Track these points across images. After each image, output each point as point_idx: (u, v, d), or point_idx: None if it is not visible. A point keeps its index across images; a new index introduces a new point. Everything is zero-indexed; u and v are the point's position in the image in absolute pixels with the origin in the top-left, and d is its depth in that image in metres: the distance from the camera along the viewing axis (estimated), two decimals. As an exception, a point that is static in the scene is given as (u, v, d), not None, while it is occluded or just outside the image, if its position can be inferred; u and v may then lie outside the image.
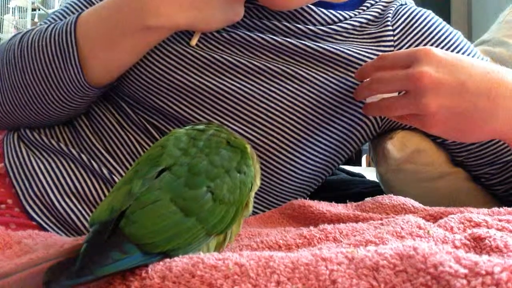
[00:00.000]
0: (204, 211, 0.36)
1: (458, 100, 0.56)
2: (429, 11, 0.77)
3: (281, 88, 0.67)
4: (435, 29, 0.74)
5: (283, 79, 0.68)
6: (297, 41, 0.70)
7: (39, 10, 4.02)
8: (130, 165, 0.68)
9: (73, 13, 0.75)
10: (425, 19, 0.74)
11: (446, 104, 0.56)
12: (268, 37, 0.70)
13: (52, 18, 0.77)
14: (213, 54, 0.69)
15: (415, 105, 0.57)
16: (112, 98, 0.73)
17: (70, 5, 0.79)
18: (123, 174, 0.68)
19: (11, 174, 0.68)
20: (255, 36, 0.70)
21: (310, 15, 0.72)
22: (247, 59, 0.69)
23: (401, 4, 0.76)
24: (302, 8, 0.71)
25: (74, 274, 0.29)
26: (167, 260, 0.32)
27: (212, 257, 0.31)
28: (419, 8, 0.77)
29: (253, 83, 0.68)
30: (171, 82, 0.68)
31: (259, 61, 0.69)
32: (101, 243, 0.31)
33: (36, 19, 3.91)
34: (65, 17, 0.75)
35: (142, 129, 0.70)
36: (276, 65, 0.69)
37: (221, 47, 0.70)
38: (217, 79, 0.68)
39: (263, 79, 0.68)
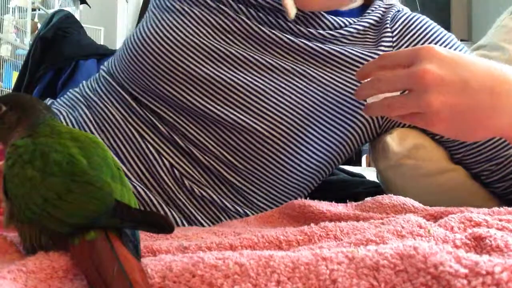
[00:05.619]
0: None
1: (461, 98, 0.56)
2: (423, 16, 0.81)
3: (290, 85, 0.71)
4: (430, 31, 0.78)
5: (293, 76, 0.72)
6: (308, 42, 0.74)
7: (39, 10, 4.01)
8: (134, 161, 0.70)
9: None
10: (420, 22, 0.79)
11: (449, 102, 0.55)
12: (283, 35, 0.74)
13: None
14: (228, 48, 0.72)
15: (417, 103, 0.57)
16: (117, 91, 0.74)
17: None
18: (126, 170, 0.69)
19: None
20: (270, 33, 0.74)
21: (322, 20, 0.76)
22: (260, 55, 0.73)
23: (398, 11, 0.81)
24: (315, 14, 0.76)
25: None
26: (168, 259, 0.32)
27: (212, 256, 0.31)
28: (414, 13, 0.82)
29: (265, 78, 0.71)
30: (186, 72, 0.71)
31: (271, 58, 0.73)
32: None
33: (36, 19, 3.91)
34: None
35: (147, 123, 0.72)
36: (287, 63, 0.72)
37: (236, 41, 0.73)
38: (230, 72, 0.71)
39: (274, 75, 0.71)
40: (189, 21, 0.74)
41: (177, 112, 0.72)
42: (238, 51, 0.72)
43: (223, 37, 0.73)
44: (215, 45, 0.72)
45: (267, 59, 0.72)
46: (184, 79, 0.71)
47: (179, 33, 0.73)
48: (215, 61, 0.72)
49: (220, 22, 0.74)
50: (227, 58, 0.72)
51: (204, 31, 0.73)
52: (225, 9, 0.75)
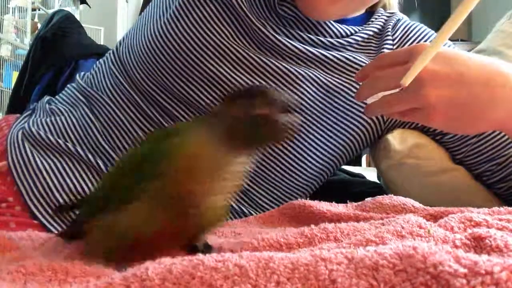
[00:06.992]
0: None
1: (457, 91, 0.56)
2: (422, 24, 0.86)
3: (302, 90, 0.73)
4: (429, 38, 0.82)
5: (305, 81, 0.73)
6: (317, 50, 0.76)
7: (39, 10, 4.02)
8: None
9: None
10: (419, 29, 0.83)
11: (445, 95, 0.56)
12: (297, 43, 0.75)
13: None
14: (247, 51, 0.73)
15: (414, 98, 0.57)
16: (124, 90, 0.74)
17: None
18: None
19: (14, 172, 0.68)
20: (284, 42, 0.75)
21: (330, 29, 0.78)
22: (274, 60, 0.74)
23: (398, 19, 0.84)
24: (325, 23, 0.78)
25: None
26: (167, 262, 0.32)
27: (212, 258, 0.31)
28: (414, 22, 0.86)
29: (278, 83, 0.73)
30: (203, 70, 0.72)
31: (285, 64, 0.74)
32: None
33: (36, 19, 3.91)
34: None
35: (155, 125, 0.72)
36: (300, 68, 0.74)
37: (253, 45, 0.74)
38: (246, 75, 0.72)
39: (288, 80, 0.73)
40: (210, 16, 0.74)
41: (189, 111, 0.72)
42: (256, 54, 0.73)
43: (242, 38, 0.74)
44: (234, 46, 0.73)
45: (283, 64, 0.73)
46: (200, 78, 0.72)
47: (200, 29, 0.72)
48: (233, 62, 0.72)
49: (240, 22, 0.74)
50: (244, 61, 0.73)
51: (225, 30, 0.73)
52: (240, 12, 0.74)
